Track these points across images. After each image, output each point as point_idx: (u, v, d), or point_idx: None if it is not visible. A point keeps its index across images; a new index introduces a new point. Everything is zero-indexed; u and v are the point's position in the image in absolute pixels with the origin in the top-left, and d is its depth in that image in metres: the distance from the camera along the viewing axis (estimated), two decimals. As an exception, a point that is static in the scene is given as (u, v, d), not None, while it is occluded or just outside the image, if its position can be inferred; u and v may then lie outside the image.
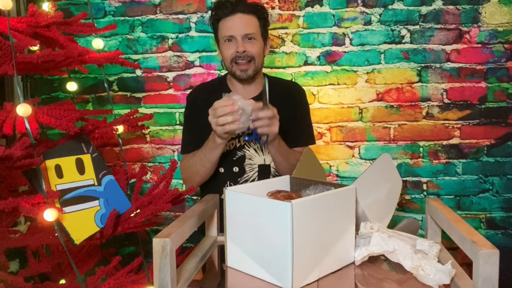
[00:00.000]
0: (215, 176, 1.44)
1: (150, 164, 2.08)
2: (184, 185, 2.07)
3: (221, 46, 1.43)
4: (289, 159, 1.37)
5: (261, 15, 1.43)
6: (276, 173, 1.46)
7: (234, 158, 1.44)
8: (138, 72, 2.06)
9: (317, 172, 1.39)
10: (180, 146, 2.05)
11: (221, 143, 1.29)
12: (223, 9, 1.39)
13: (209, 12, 1.99)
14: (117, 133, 1.40)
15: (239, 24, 1.38)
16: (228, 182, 1.44)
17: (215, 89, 1.52)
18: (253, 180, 1.44)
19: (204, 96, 1.51)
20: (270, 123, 1.21)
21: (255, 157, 1.44)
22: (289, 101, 1.49)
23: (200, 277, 1.00)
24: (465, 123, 1.96)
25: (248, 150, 1.45)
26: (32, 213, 1.04)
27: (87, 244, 1.45)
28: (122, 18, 2.04)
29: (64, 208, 1.17)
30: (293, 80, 1.99)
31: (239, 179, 1.45)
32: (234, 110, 1.15)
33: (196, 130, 1.48)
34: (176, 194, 1.32)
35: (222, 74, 2.02)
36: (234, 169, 1.44)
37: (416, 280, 0.92)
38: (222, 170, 1.45)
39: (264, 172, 1.44)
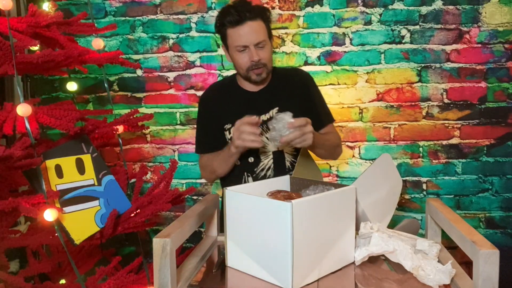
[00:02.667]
0: (233, 168, 1.47)
1: (150, 164, 2.08)
2: (184, 185, 2.08)
3: (233, 53, 1.43)
4: (326, 145, 1.45)
5: (266, 17, 1.43)
6: (293, 159, 1.48)
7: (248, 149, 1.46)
8: (139, 72, 2.06)
9: (313, 173, 1.39)
10: (181, 145, 2.06)
11: (234, 152, 1.34)
12: (230, 17, 1.37)
13: (209, 12, 2.01)
14: (117, 133, 1.40)
15: (250, 33, 1.37)
16: (245, 173, 1.47)
17: (225, 88, 1.57)
18: (269, 168, 1.46)
19: (215, 95, 1.56)
20: (303, 136, 1.24)
21: (268, 145, 1.46)
22: (298, 90, 1.52)
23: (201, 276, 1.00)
24: (465, 123, 1.96)
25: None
26: (32, 213, 1.04)
27: (87, 244, 1.45)
28: (123, 18, 2.04)
29: (64, 208, 1.17)
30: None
31: (255, 169, 1.46)
32: (256, 133, 1.25)
33: (210, 130, 1.52)
34: (176, 194, 1.32)
35: (223, 74, 2.03)
36: (249, 159, 1.46)
37: (416, 280, 0.92)
38: (238, 162, 1.46)
39: (279, 158, 1.47)
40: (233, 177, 1.47)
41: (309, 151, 1.45)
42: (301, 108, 1.38)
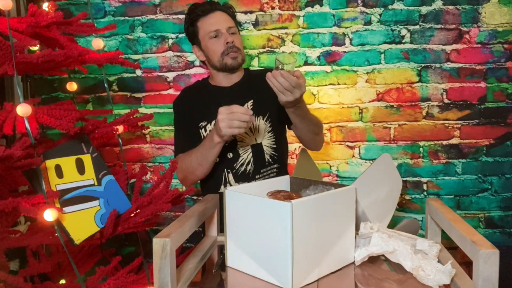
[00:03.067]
0: (212, 166, 1.44)
1: (150, 164, 2.08)
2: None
3: (206, 43, 1.47)
4: (312, 120, 1.43)
5: (234, 16, 1.53)
6: (273, 153, 1.47)
7: (226, 144, 1.42)
8: (138, 72, 2.06)
9: (313, 173, 1.39)
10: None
11: (219, 142, 1.30)
12: (201, 7, 1.48)
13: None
14: (117, 133, 1.40)
15: (221, 19, 1.47)
16: (225, 170, 1.45)
17: (198, 88, 1.58)
18: (249, 162, 1.45)
19: (188, 96, 1.57)
20: (301, 78, 1.20)
21: (246, 138, 1.45)
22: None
23: (199, 278, 1.00)
24: (464, 123, 1.96)
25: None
26: (32, 213, 1.04)
27: (87, 244, 1.45)
28: (122, 18, 2.04)
29: (64, 208, 1.17)
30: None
31: (235, 164, 1.45)
32: (252, 121, 1.27)
33: (187, 131, 1.51)
34: (176, 194, 1.31)
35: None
36: (228, 155, 1.45)
37: (416, 280, 0.92)
38: (217, 159, 1.43)
39: (258, 152, 1.46)
40: (213, 176, 1.45)
41: (292, 130, 1.47)
42: (276, 100, 1.34)
